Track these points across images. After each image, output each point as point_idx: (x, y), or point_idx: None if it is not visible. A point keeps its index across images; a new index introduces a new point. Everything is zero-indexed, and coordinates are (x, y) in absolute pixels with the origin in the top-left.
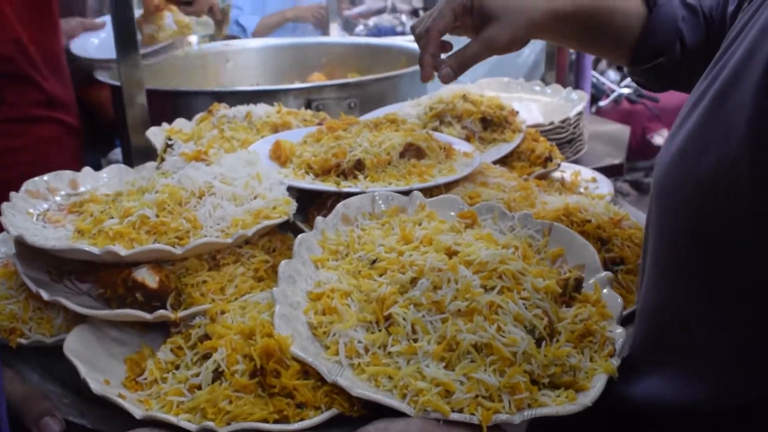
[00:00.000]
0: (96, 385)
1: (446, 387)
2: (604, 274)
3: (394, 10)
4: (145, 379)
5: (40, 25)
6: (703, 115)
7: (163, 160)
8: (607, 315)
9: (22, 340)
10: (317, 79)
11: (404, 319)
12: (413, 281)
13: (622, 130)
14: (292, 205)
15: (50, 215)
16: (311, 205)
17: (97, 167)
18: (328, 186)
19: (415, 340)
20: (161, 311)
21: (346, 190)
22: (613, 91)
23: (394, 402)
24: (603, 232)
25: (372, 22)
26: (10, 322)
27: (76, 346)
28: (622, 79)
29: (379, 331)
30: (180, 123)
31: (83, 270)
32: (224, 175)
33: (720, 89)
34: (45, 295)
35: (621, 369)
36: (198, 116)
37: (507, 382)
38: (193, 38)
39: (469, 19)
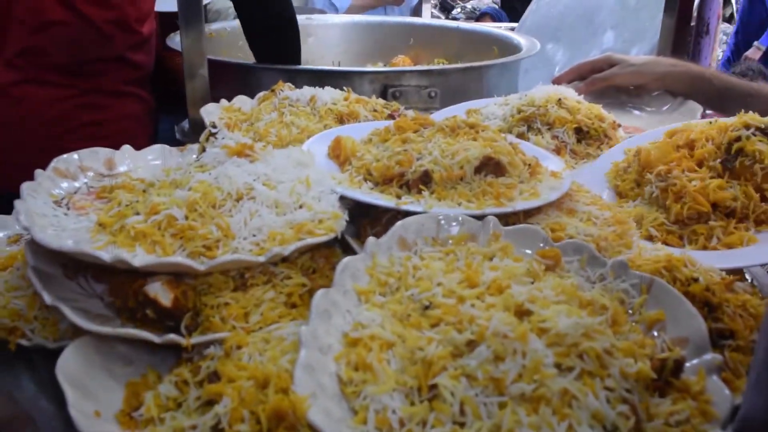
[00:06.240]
0: (82, 421)
1: None
2: (713, 356)
3: None
4: (141, 415)
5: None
6: None
7: (203, 150)
8: (710, 415)
9: (23, 342)
10: (402, 63)
11: (452, 394)
12: (470, 345)
13: None
14: (341, 221)
15: (76, 200)
16: (367, 217)
17: (171, 133)
18: (385, 200)
19: (462, 425)
20: (171, 336)
21: (404, 207)
22: None
23: None
24: (712, 296)
25: (470, 5)
26: (11, 321)
27: (73, 363)
28: None
29: (421, 402)
30: (240, 101)
31: (101, 268)
32: (268, 177)
33: None
34: (47, 299)
35: None
36: (260, 95)
37: None
38: None
39: None
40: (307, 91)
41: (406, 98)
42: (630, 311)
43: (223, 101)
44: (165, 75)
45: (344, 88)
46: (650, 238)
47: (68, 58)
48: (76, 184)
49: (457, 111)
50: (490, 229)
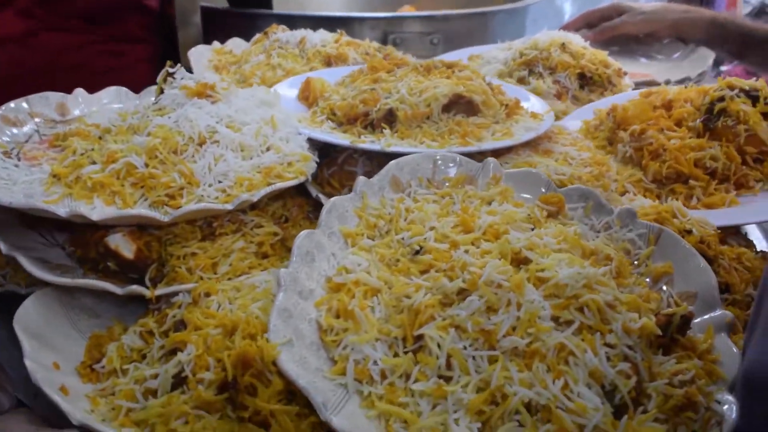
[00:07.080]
0: (37, 371)
1: None
2: (722, 313)
3: None
4: (104, 367)
5: None
6: None
7: (162, 92)
8: (717, 375)
9: None
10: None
11: (439, 346)
12: (461, 293)
13: None
14: (311, 163)
15: (27, 150)
16: (327, 158)
17: None
18: (340, 139)
19: (449, 379)
20: (134, 287)
21: (360, 146)
22: None
23: None
24: (707, 249)
25: None
26: None
27: (32, 314)
28: None
29: (405, 353)
30: (233, 43)
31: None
32: (232, 119)
33: None
34: (2, 248)
35: None
36: (255, 37)
37: None
38: None
39: None
40: (299, 33)
41: (406, 46)
42: (635, 262)
43: (215, 43)
44: (166, 23)
45: (337, 31)
46: (625, 194)
47: (88, 4)
48: (25, 130)
49: (459, 56)
50: (490, 171)
